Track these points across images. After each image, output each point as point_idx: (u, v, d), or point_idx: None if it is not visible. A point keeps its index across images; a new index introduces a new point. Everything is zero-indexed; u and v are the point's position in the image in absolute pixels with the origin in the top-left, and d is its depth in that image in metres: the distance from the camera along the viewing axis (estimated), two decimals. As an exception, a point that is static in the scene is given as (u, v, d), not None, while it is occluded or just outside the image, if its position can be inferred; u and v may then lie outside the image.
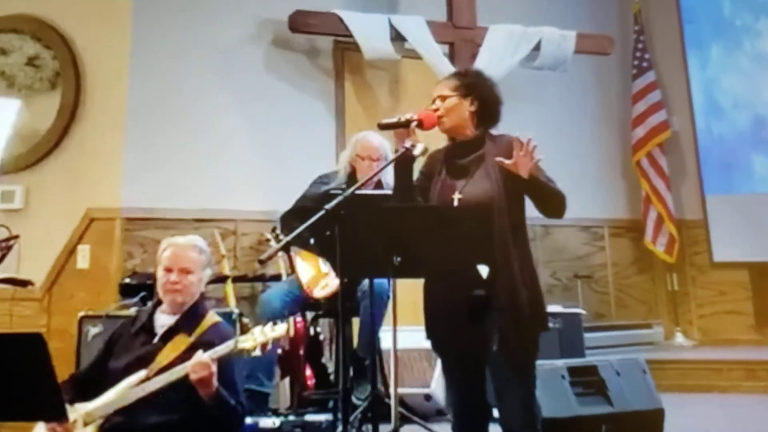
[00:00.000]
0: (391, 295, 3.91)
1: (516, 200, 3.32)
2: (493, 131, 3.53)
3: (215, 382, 3.44)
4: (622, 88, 8.30)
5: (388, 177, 5.08)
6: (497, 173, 3.32)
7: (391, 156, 5.00)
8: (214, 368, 3.43)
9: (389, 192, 4.90)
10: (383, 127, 3.50)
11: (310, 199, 4.93)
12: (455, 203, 3.28)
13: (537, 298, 3.32)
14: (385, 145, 5.13)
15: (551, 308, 6.25)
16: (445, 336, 3.35)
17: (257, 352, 3.52)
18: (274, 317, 3.94)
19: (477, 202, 3.27)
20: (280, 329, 3.53)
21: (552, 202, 3.35)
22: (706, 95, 8.16)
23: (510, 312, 3.23)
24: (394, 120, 3.43)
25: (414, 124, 3.39)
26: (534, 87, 7.49)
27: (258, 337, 3.50)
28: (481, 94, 3.46)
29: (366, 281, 4.82)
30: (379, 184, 5.06)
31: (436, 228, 3.21)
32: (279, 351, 5.30)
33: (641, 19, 8.29)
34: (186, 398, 3.44)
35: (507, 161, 3.22)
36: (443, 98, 3.45)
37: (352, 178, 5.07)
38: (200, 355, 3.44)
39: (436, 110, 3.44)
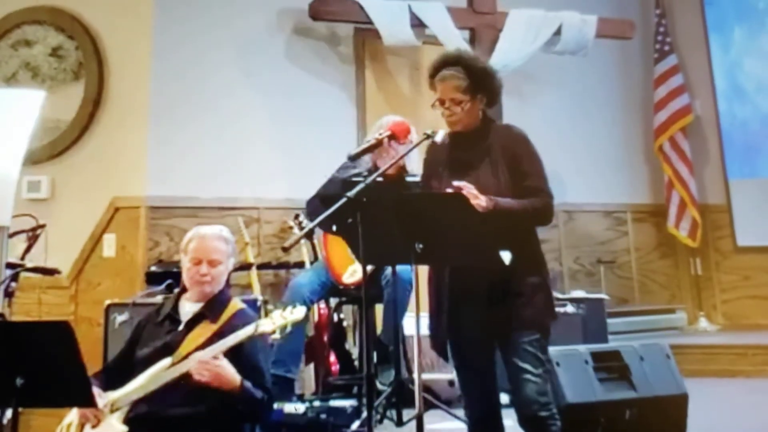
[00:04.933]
0: (414, 281, 3.93)
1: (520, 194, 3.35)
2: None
3: (235, 377, 3.43)
4: (644, 72, 8.26)
5: (412, 164, 5.11)
6: (503, 168, 3.36)
7: (416, 140, 5.07)
8: (222, 362, 3.43)
9: (412, 179, 4.95)
10: (355, 157, 3.51)
11: (337, 184, 4.96)
12: None
13: (547, 286, 3.43)
14: (411, 129, 5.16)
15: (574, 293, 6.28)
16: (458, 325, 3.39)
17: (277, 335, 3.54)
18: (304, 303, 3.98)
19: (483, 211, 3.23)
20: (298, 312, 3.56)
21: (527, 221, 3.39)
22: (729, 79, 8.11)
23: (526, 298, 3.31)
24: (365, 146, 3.47)
25: (386, 140, 3.38)
26: (555, 72, 7.47)
27: (277, 321, 3.52)
28: (489, 88, 3.45)
29: (389, 268, 4.85)
30: (402, 170, 5.08)
31: (458, 214, 3.22)
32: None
33: (663, 2, 8.23)
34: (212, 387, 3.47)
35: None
36: (456, 102, 3.40)
37: (377, 163, 5.10)
38: (198, 355, 3.44)
39: (450, 116, 3.41)
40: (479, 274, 3.29)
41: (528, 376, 3.28)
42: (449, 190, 3.27)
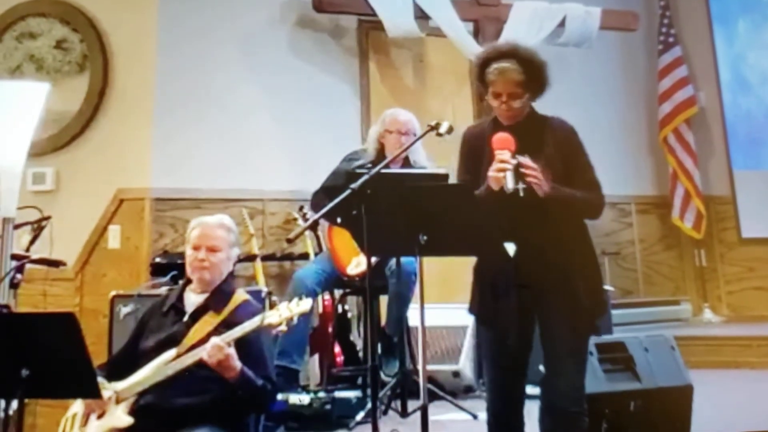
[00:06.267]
0: (418, 273, 3.95)
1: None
2: None
3: (236, 364, 3.44)
4: (648, 64, 8.23)
5: (416, 155, 5.12)
6: (559, 162, 3.32)
7: (420, 133, 5.06)
8: (231, 351, 3.44)
9: (416, 171, 4.97)
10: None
11: (341, 176, 4.98)
12: (521, 194, 3.20)
13: (592, 284, 3.40)
14: (413, 120, 5.19)
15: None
16: (492, 315, 3.37)
17: (283, 327, 3.55)
18: (308, 295, 3.99)
19: (542, 196, 3.22)
20: (305, 304, 3.56)
21: (583, 212, 3.39)
22: (733, 70, 8.08)
23: (567, 293, 3.29)
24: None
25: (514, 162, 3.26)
26: (559, 64, 7.41)
27: (283, 312, 3.53)
28: (543, 81, 3.40)
29: (394, 260, 4.86)
30: (406, 162, 5.10)
31: (461, 206, 3.22)
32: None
33: (666, -7, 8.22)
34: (217, 376, 3.48)
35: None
36: (514, 96, 3.33)
37: (380, 154, 5.13)
38: (214, 340, 3.46)
39: (508, 110, 3.33)
40: (533, 265, 3.27)
41: (579, 367, 3.31)
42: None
